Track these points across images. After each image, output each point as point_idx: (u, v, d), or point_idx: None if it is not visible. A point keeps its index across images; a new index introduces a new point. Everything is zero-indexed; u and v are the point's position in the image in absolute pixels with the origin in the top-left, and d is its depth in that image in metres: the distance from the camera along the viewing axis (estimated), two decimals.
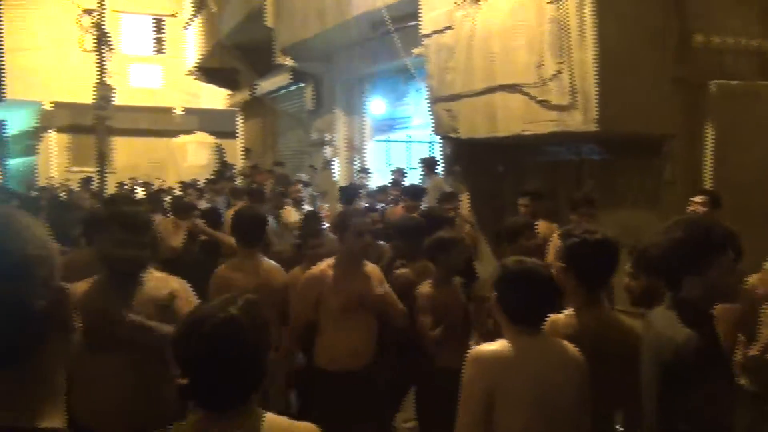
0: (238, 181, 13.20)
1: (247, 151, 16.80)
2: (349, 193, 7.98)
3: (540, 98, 5.94)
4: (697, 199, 4.92)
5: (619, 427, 2.59)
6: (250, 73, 15.55)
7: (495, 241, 4.66)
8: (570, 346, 2.23)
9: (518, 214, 5.79)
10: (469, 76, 6.98)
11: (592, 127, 5.53)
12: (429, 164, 8.89)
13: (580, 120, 5.63)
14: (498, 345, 2.17)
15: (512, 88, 6.32)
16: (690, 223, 1.99)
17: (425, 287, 4.04)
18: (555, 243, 4.54)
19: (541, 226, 5.56)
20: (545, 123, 6.01)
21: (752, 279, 3.51)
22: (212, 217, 6.95)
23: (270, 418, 1.68)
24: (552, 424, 2.09)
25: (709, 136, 5.80)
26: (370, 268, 3.96)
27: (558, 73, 5.73)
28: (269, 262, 4.24)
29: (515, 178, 7.81)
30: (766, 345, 3.31)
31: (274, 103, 15.16)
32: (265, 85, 14.47)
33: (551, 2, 5.76)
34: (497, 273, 2.30)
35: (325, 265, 3.83)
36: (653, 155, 6.18)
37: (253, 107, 16.95)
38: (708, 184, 5.66)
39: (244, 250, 4.18)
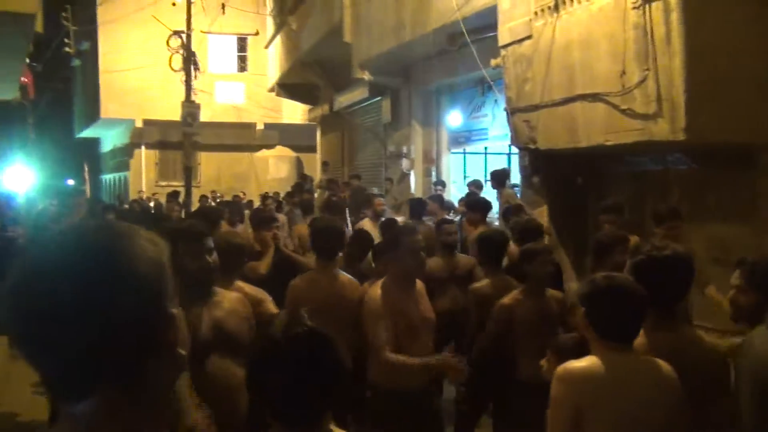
0: (316, 194, 13.44)
1: (325, 164, 17.10)
2: (417, 207, 7.88)
3: (623, 107, 5.76)
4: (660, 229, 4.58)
5: None
6: (328, 88, 15.86)
7: (593, 254, 4.50)
8: (664, 365, 2.13)
9: (600, 227, 5.63)
10: (548, 86, 6.86)
11: (680, 137, 5.31)
12: (496, 178, 8.76)
13: (667, 129, 5.41)
14: (587, 362, 2.11)
15: (593, 97, 6.16)
16: None
17: (507, 299, 3.99)
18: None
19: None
20: (629, 132, 5.82)
21: None
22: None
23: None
24: None
25: None
26: (420, 285, 3.82)
27: (643, 80, 5.55)
28: (345, 276, 4.22)
29: (596, 189, 7.59)
30: None
31: (352, 117, 15.39)
32: (343, 100, 14.71)
33: (635, 8, 5.59)
34: (586, 288, 2.24)
35: (379, 287, 3.63)
36: (747, 166, 5.86)
37: (331, 121, 17.27)
38: None
39: (321, 263, 4.19)
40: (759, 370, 1.83)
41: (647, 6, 5.48)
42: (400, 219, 8.87)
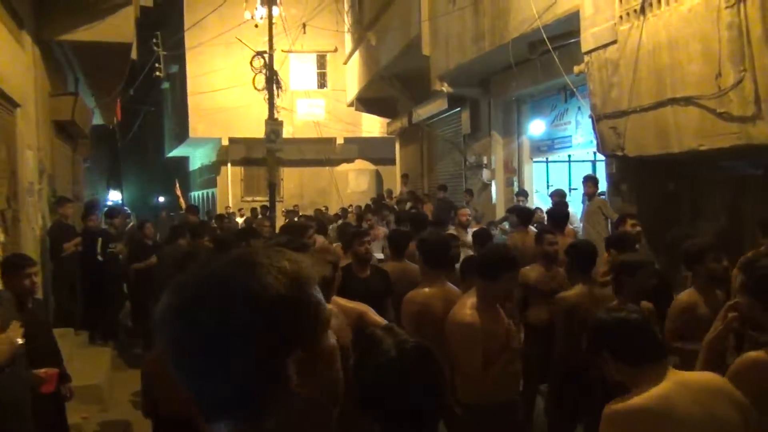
0: (397, 207, 13.52)
1: (405, 177, 17.19)
2: (525, 216, 7.79)
3: (719, 110, 5.53)
4: None
5: None
6: (406, 101, 15.97)
7: (684, 264, 4.35)
8: (721, 382, 2.06)
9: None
10: (636, 91, 6.67)
11: None
12: (596, 183, 8.57)
13: (767, 131, 5.16)
14: (637, 398, 2.07)
15: (686, 101, 5.95)
16: None
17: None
18: (736, 273, 4.18)
19: None
20: (725, 137, 5.58)
21: None
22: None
23: None
24: None
25: None
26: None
27: (740, 81, 5.31)
28: (453, 287, 4.27)
29: (690, 196, 7.30)
30: None
31: (431, 129, 15.43)
32: (422, 112, 14.78)
33: (729, 7, 5.37)
34: (596, 325, 2.25)
35: (469, 308, 3.55)
36: None
37: (409, 134, 17.36)
38: None
39: (431, 274, 4.22)
40: None
41: (742, 4, 5.25)
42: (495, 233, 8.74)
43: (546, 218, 7.88)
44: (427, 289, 4.16)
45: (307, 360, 0.94)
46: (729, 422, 2.04)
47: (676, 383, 2.10)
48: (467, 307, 3.54)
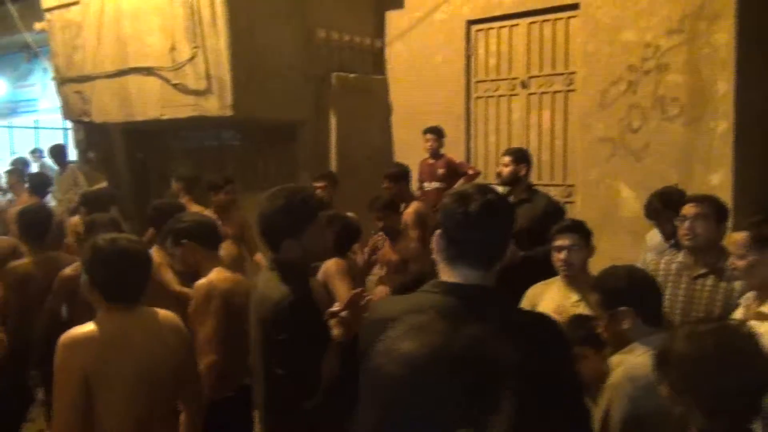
0: None
1: None
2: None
3: (175, 82, 5.90)
4: (318, 183, 5.25)
5: None
6: None
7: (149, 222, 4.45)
8: (170, 316, 2.29)
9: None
10: (100, 57, 6.56)
11: (228, 113, 5.70)
12: (55, 154, 8.08)
13: (217, 105, 5.75)
14: (90, 326, 2.11)
15: (147, 71, 6.15)
16: (290, 192, 2.21)
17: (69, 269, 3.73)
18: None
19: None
20: (183, 107, 6.00)
21: None
22: None
23: None
24: (152, 394, 2.12)
25: (333, 123, 6.45)
26: None
27: (192, 57, 5.76)
28: None
29: (158, 165, 7.62)
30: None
31: None
32: None
33: None
34: (88, 254, 2.21)
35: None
36: (290, 141, 6.64)
37: None
38: (333, 166, 6.31)
39: None
40: (259, 307, 2.11)
41: None
42: None
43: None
44: None
45: None
46: (168, 354, 2.19)
47: (130, 317, 2.17)
48: None
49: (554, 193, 6.04)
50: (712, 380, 1.45)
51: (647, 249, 3.92)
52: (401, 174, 5.30)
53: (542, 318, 1.73)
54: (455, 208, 1.53)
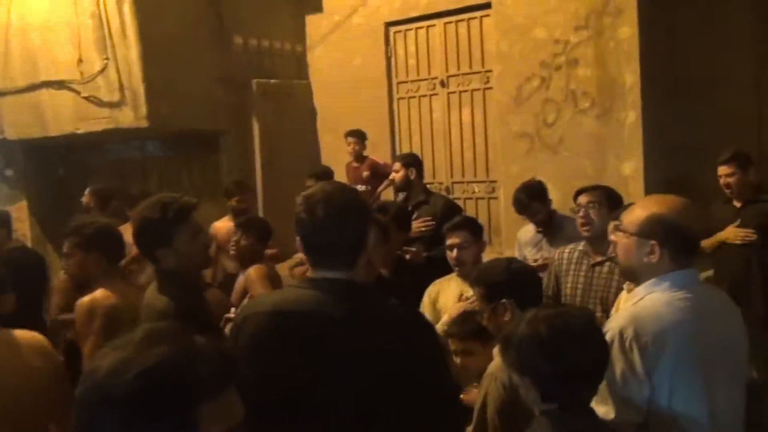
0: None
1: None
2: None
3: (87, 95, 5.76)
4: (233, 201, 4.92)
5: None
6: None
7: None
8: (37, 337, 2.25)
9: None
10: (10, 72, 6.35)
11: (143, 124, 5.60)
12: None
13: (132, 117, 5.64)
14: None
15: (59, 84, 5.99)
16: (152, 202, 2.15)
17: None
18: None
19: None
20: (98, 121, 5.86)
21: None
22: None
23: None
24: (11, 417, 2.04)
25: (256, 130, 6.40)
26: None
27: (103, 69, 5.64)
28: None
29: (79, 180, 7.40)
30: None
31: None
32: None
33: None
34: None
35: None
36: (213, 151, 6.55)
37: None
38: (258, 175, 6.25)
39: None
40: (146, 318, 2.07)
41: None
42: None
43: None
44: None
45: None
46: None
47: None
48: None
49: (478, 189, 6.16)
50: (545, 362, 1.50)
51: (523, 245, 4.06)
52: (326, 173, 5.35)
53: (413, 315, 1.77)
54: (304, 217, 1.57)
